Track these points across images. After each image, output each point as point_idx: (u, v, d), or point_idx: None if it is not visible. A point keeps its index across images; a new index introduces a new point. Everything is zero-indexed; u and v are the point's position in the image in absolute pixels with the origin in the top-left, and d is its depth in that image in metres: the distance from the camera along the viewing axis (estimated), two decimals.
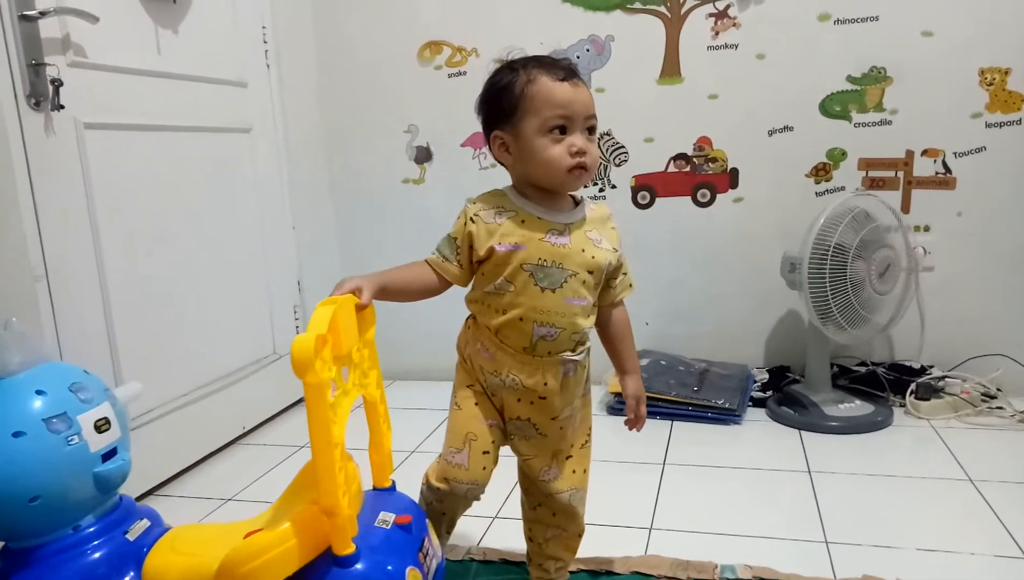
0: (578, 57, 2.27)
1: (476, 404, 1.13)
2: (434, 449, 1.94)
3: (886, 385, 2.10)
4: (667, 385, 2.13)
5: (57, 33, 1.53)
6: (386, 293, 1.07)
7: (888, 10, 2.05)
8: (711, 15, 2.17)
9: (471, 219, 1.08)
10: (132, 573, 1.06)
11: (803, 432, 1.96)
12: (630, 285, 1.17)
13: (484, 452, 1.12)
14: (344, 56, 2.44)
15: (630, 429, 1.20)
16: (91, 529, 1.08)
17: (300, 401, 2.37)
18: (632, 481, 1.72)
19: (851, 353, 2.21)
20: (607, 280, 1.13)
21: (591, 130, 1.05)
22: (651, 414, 2.10)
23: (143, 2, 1.75)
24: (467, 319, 1.16)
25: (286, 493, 1.07)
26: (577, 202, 1.12)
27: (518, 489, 1.25)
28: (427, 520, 1.16)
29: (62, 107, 1.51)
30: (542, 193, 1.08)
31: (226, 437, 2.04)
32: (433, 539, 1.15)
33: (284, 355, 2.28)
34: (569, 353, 1.09)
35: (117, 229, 1.67)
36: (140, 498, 1.74)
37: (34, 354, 1.09)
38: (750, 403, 2.14)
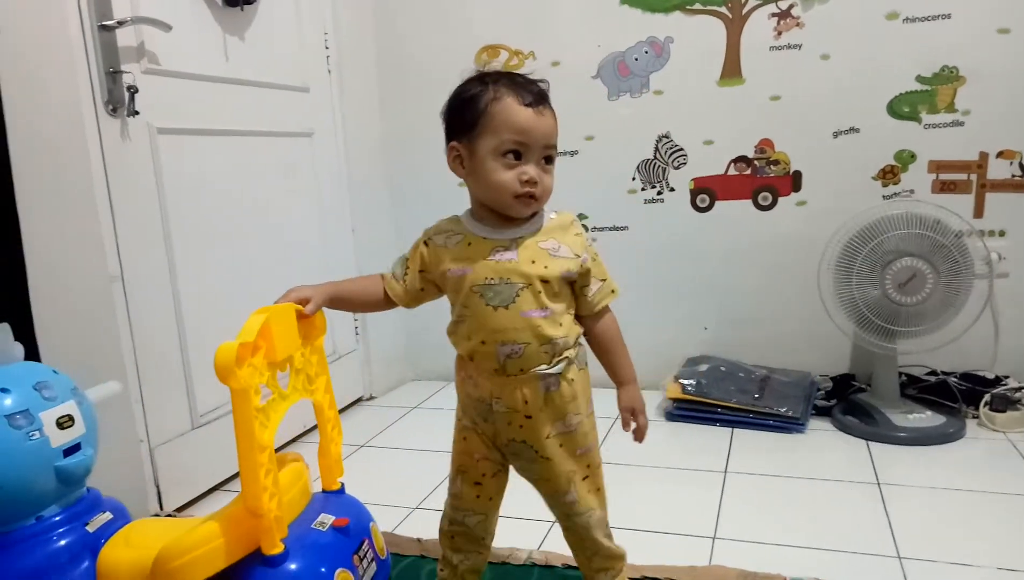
0: (636, 59, 2.25)
1: (464, 439, 1.13)
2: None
3: (958, 395, 2.03)
4: (727, 392, 2.09)
5: (132, 42, 1.58)
6: (336, 303, 1.11)
7: (961, 7, 1.98)
8: (774, 15, 2.13)
9: (424, 242, 1.09)
10: (88, 562, 1.11)
11: (870, 443, 1.90)
12: (612, 291, 1.11)
13: (475, 483, 1.12)
14: (403, 61, 2.47)
15: (636, 441, 1.14)
16: (55, 519, 1.13)
17: (357, 401, 2.40)
18: (693, 489, 1.69)
19: (920, 362, 2.13)
20: (581, 288, 1.08)
21: (548, 159, 1.03)
22: (712, 421, 2.10)
23: (212, 10, 1.80)
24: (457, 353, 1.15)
25: (240, 494, 1.09)
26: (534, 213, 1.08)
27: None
28: (372, 524, 1.18)
29: (137, 113, 1.56)
30: (492, 211, 1.05)
31: (287, 436, 2.07)
32: (377, 542, 1.17)
33: (344, 355, 2.31)
34: (544, 366, 1.04)
35: (187, 231, 1.71)
36: (207, 493, 1.79)
37: (4, 355, 1.15)
38: (813, 412, 2.08)
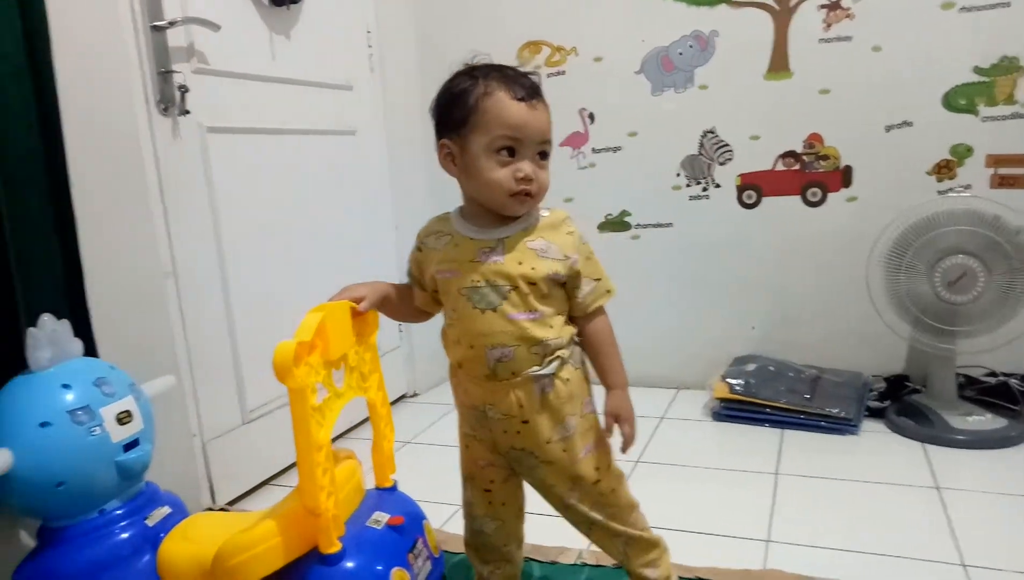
0: (681, 53, 2.21)
1: (467, 447, 1.11)
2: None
3: (1019, 397, 1.95)
4: (777, 392, 2.04)
5: (183, 42, 1.60)
6: (384, 305, 1.10)
7: None
8: (823, 7, 2.07)
9: (419, 247, 1.09)
10: (148, 556, 1.12)
11: (927, 445, 1.84)
12: (607, 291, 1.06)
13: (485, 490, 1.11)
14: (444, 58, 2.43)
15: (622, 451, 1.06)
16: (116, 513, 1.14)
17: (401, 398, 2.40)
18: (744, 490, 1.66)
19: (978, 362, 2.06)
20: (572, 290, 1.04)
21: (543, 155, 1.00)
22: (760, 422, 2.05)
23: (259, 9, 1.82)
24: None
25: (295, 489, 1.08)
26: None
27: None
28: (426, 522, 1.17)
29: (187, 112, 1.58)
30: (483, 209, 1.02)
31: (337, 429, 2.08)
32: (430, 540, 1.16)
33: (387, 352, 2.31)
34: (536, 368, 1.00)
35: (237, 228, 1.73)
36: (258, 487, 1.80)
37: (64, 350, 1.16)
38: (866, 413, 2.03)
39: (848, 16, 2.05)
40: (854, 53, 2.06)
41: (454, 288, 1.02)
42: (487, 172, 0.97)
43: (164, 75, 1.55)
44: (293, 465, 1.90)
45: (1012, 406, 1.95)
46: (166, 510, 1.19)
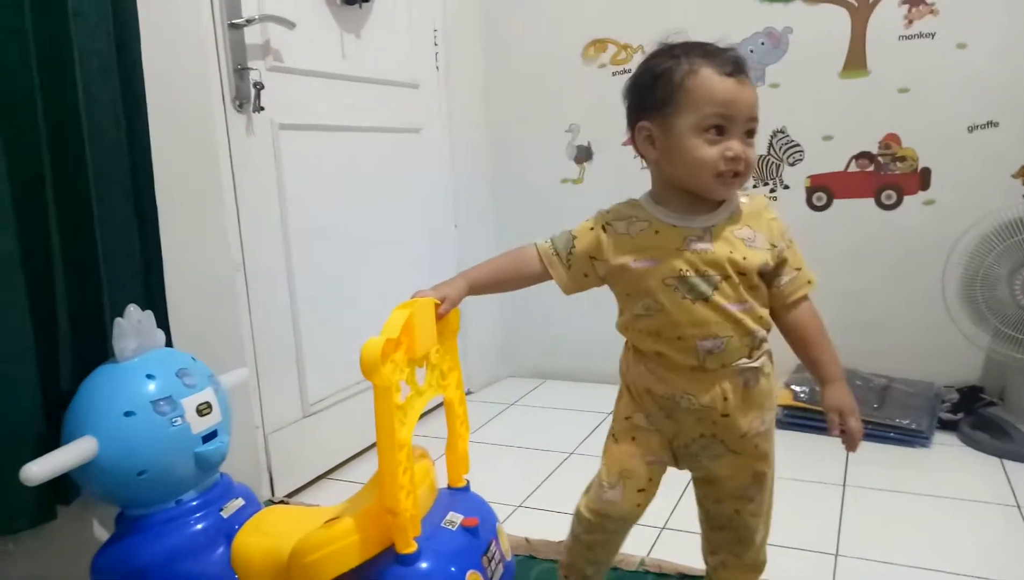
0: (752, 51, 2.16)
1: (633, 439, 1.04)
2: (591, 452, 1.91)
3: None
4: None
5: (259, 39, 1.63)
6: (480, 290, 1.04)
7: None
8: (904, 2, 2.00)
9: (603, 227, 1.01)
10: (223, 547, 1.13)
11: (1004, 461, 1.76)
12: (808, 281, 1.00)
13: (639, 490, 1.04)
14: (509, 57, 2.46)
15: (848, 450, 1.01)
16: (192, 503, 1.16)
17: None
18: (811, 501, 1.61)
19: None
20: (772, 278, 0.99)
21: (750, 133, 0.95)
22: (825, 430, 1.97)
23: (332, 8, 1.84)
24: (625, 343, 1.07)
25: (370, 483, 1.08)
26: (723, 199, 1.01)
27: (686, 499, 1.17)
28: (499, 524, 1.14)
29: (262, 109, 1.61)
30: (683, 194, 0.98)
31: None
32: (503, 543, 1.13)
33: None
34: (746, 360, 0.97)
35: (303, 224, 1.76)
36: (315, 480, 1.83)
37: (148, 340, 1.18)
38: (938, 425, 1.95)
39: (932, 12, 1.97)
40: (937, 50, 1.98)
41: (656, 278, 0.96)
42: (694, 151, 0.93)
43: (240, 72, 1.58)
44: (351, 459, 1.94)
45: None
46: (240, 502, 1.22)
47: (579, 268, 1.02)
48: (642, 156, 1.00)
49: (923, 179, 2.06)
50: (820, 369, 1.01)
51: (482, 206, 2.54)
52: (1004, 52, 1.92)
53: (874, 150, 2.09)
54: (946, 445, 1.88)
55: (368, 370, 0.91)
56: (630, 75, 1.02)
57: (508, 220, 2.56)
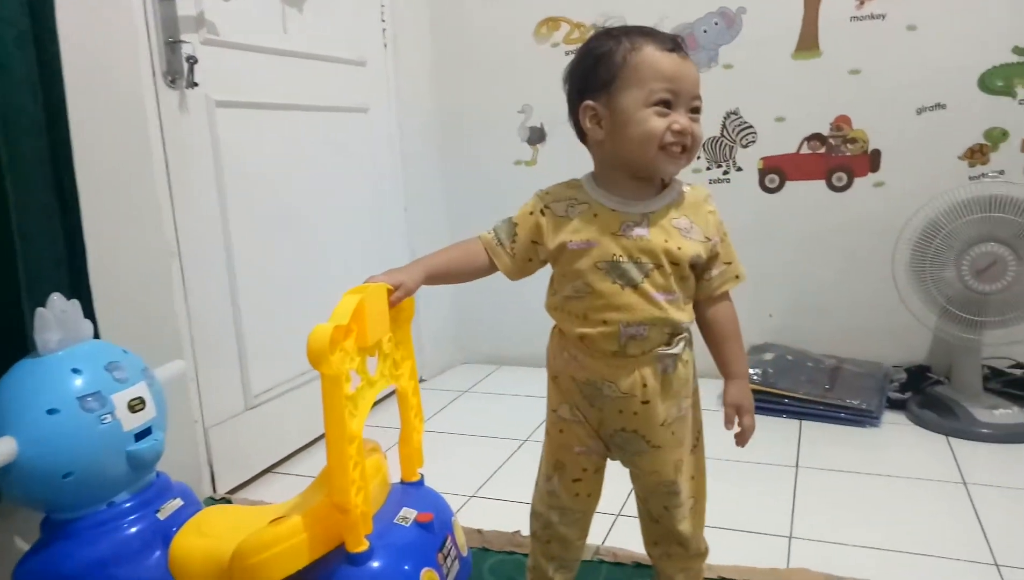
0: (705, 31, 2.14)
1: (561, 432, 1.04)
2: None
3: None
4: (795, 382, 1.99)
5: (192, 11, 1.54)
6: (433, 280, 1.02)
7: None
8: None
9: (541, 211, 1.00)
10: (159, 551, 1.07)
11: (951, 438, 1.79)
12: (736, 276, 1.01)
13: (574, 480, 1.04)
14: (460, 35, 2.39)
15: (737, 445, 1.04)
16: (125, 505, 1.09)
17: None
18: (765, 483, 1.61)
19: (1004, 354, 2.00)
20: (702, 271, 1.00)
21: (695, 111, 0.95)
22: (778, 412, 2.00)
23: None
24: (552, 329, 1.06)
25: (319, 478, 1.04)
26: (665, 185, 1.00)
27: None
28: (454, 519, 1.11)
29: (196, 84, 1.52)
30: (626, 178, 0.97)
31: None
32: (459, 538, 1.10)
33: None
34: (664, 347, 0.97)
35: (243, 207, 1.68)
36: (260, 475, 1.76)
37: (74, 332, 1.10)
38: (887, 405, 1.98)
39: None
40: (887, 32, 1.99)
41: (590, 261, 0.96)
42: (643, 123, 0.92)
43: (172, 45, 1.49)
44: (297, 452, 1.88)
45: None
46: (178, 502, 1.14)
47: (523, 254, 1.01)
48: (583, 140, 1.00)
49: (873, 161, 2.07)
50: (730, 365, 1.03)
51: (433, 188, 2.47)
52: (952, 34, 1.94)
53: (825, 132, 2.10)
54: (895, 424, 1.91)
55: (315, 359, 0.85)
56: (569, 62, 1.01)
57: (460, 203, 2.50)
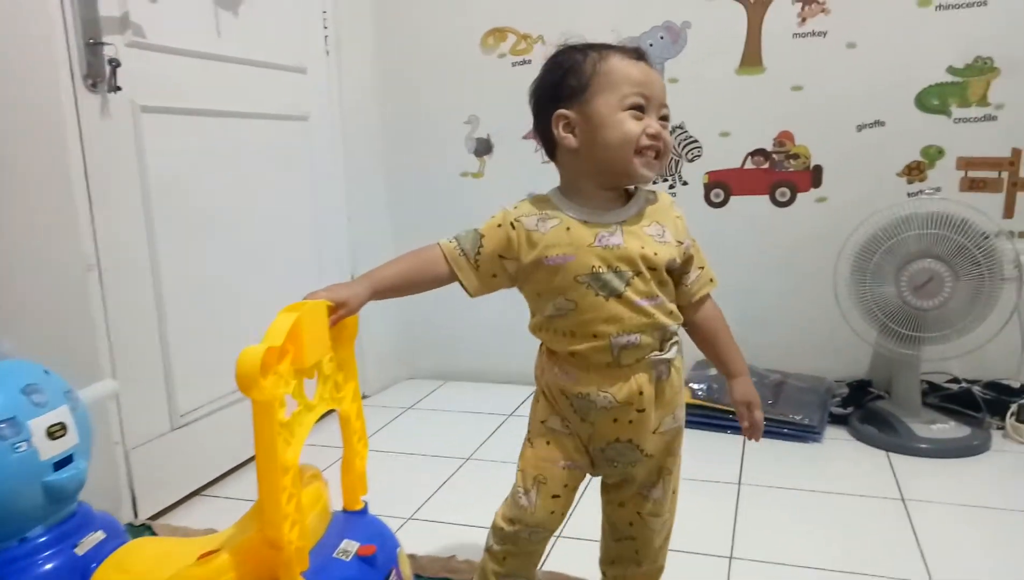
0: (651, 45, 2.14)
1: (548, 443, 1.01)
2: (489, 457, 1.84)
3: (982, 405, 1.93)
4: None
5: (116, 11, 1.47)
6: (383, 295, 0.98)
7: None
8: (798, 0, 2.01)
9: (512, 224, 0.97)
10: None
11: (891, 454, 1.80)
12: (711, 280, 1.04)
13: (554, 496, 1.01)
14: (405, 44, 2.35)
15: (749, 439, 1.07)
16: (40, 540, 1.01)
17: None
18: (706, 501, 1.59)
19: (942, 369, 2.03)
20: (679, 276, 1.00)
21: (664, 119, 0.97)
22: (723, 428, 1.99)
23: None
24: (539, 346, 1.05)
25: (250, 511, 0.97)
26: (631, 195, 1.01)
27: (582, 506, 1.14)
28: (400, 550, 1.06)
29: (119, 88, 1.45)
30: (595, 188, 0.98)
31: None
32: (404, 571, 1.05)
33: None
34: (658, 353, 0.97)
35: (171, 217, 1.60)
36: (187, 498, 1.68)
37: None
38: (829, 420, 1.98)
39: (824, 11, 2.00)
40: (828, 49, 2.01)
41: (569, 275, 0.95)
42: (620, 125, 0.93)
43: (93, 47, 1.42)
44: (228, 474, 1.80)
45: (974, 414, 1.92)
46: (99, 535, 1.05)
47: (488, 268, 0.98)
48: (551, 153, 1.00)
49: (815, 177, 2.09)
50: (730, 363, 1.05)
51: (377, 199, 2.42)
52: (890, 53, 1.97)
53: (769, 147, 2.11)
54: (837, 439, 1.92)
55: (245, 384, 0.79)
56: (535, 78, 1.02)
57: (405, 214, 2.45)
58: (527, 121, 2.42)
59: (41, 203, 1.34)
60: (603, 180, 0.98)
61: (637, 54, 0.96)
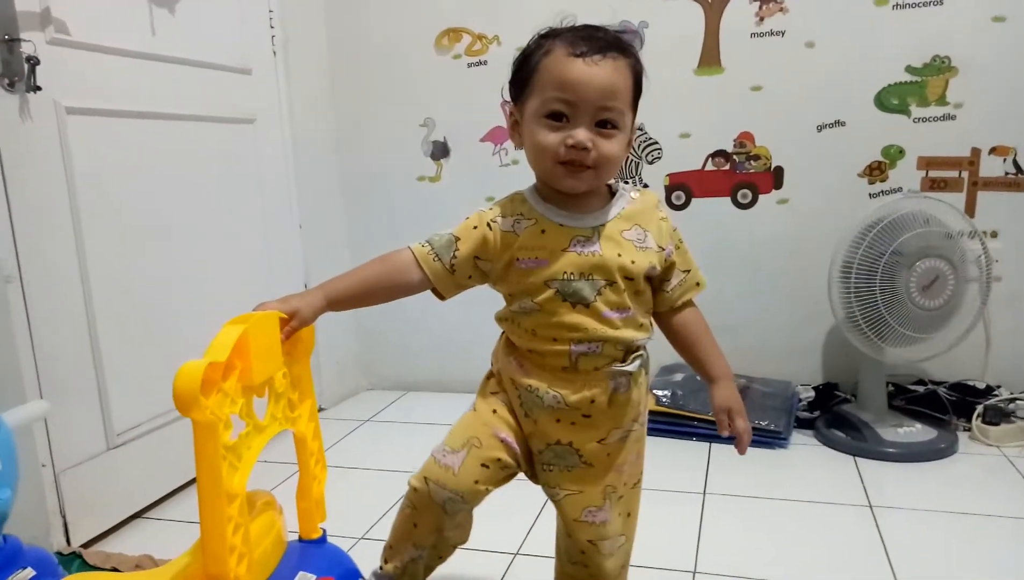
0: None
1: (494, 411, 0.97)
2: None
3: (948, 407, 1.90)
4: (705, 403, 1.93)
5: (35, 7, 1.38)
6: (342, 305, 0.91)
7: None
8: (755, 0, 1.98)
9: (488, 225, 0.93)
10: None
11: (858, 458, 1.77)
12: (697, 283, 0.99)
13: (483, 464, 0.94)
14: (357, 44, 2.28)
15: (739, 451, 0.99)
16: None
17: None
18: (670, 513, 1.53)
19: (906, 371, 2.01)
20: (659, 282, 0.95)
21: (606, 123, 0.87)
22: (688, 435, 1.94)
23: None
24: (501, 333, 1.02)
25: (196, 543, 0.89)
26: (613, 193, 0.95)
27: (543, 519, 1.08)
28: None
29: (39, 88, 1.36)
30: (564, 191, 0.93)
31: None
32: None
33: None
34: (618, 364, 0.92)
35: (102, 225, 1.51)
36: (125, 522, 1.58)
37: None
38: (796, 424, 1.95)
39: (782, 10, 1.97)
40: (787, 49, 1.98)
41: (540, 278, 0.90)
42: (533, 136, 0.88)
43: (9, 43, 1.32)
44: (170, 495, 1.70)
45: (941, 416, 1.90)
46: (28, 573, 0.96)
47: (463, 271, 0.93)
48: (515, 144, 0.96)
49: (776, 178, 2.06)
50: (708, 367, 0.99)
51: (331, 205, 2.34)
52: (848, 52, 1.94)
53: (729, 148, 2.07)
54: (803, 445, 1.88)
55: (183, 403, 0.72)
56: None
57: (361, 220, 2.37)
58: (484, 123, 2.38)
59: None
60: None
61: (586, 47, 0.86)
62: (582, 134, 0.85)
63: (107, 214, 1.52)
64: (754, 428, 1.81)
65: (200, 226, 1.78)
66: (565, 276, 0.89)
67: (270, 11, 2.05)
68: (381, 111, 2.30)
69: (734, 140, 2.06)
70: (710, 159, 2.09)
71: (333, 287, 0.92)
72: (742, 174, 2.07)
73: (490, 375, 1.03)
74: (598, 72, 0.85)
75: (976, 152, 1.92)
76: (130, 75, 1.59)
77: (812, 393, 2.04)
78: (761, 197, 2.07)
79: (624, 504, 1.00)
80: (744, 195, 2.09)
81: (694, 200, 2.12)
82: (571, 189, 0.90)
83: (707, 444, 1.88)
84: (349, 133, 2.33)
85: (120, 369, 1.55)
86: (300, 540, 0.99)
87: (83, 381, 1.49)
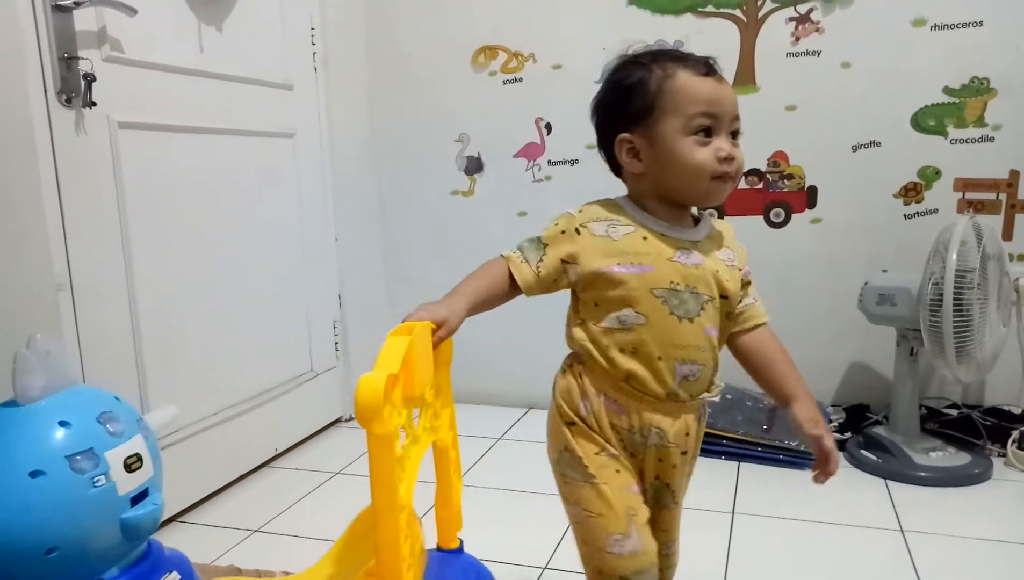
0: None
1: (618, 472, 0.91)
2: (479, 482, 1.78)
3: (983, 432, 1.88)
4: (734, 422, 1.94)
5: (92, 26, 1.43)
6: (474, 311, 0.91)
7: (994, 14, 1.85)
8: (792, 19, 1.99)
9: (576, 229, 0.90)
10: None
11: (889, 482, 1.75)
12: (764, 313, 0.98)
13: (649, 521, 0.93)
14: (395, 61, 2.33)
15: (822, 481, 0.94)
16: None
17: (335, 422, 2.24)
18: (699, 531, 1.52)
19: (940, 394, 1.99)
20: (734, 304, 0.95)
21: (735, 134, 0.91)
22: (716, 453, 1.94)
23: None
24: (570, 366, 0.95)
25: (340, 545, 0.91)
26: (697, 218, 0.96)
27: (570, 536, 1.08)
28: None
29: (94, 104, 1.41)
30: (667, 206, 0.92)
31: (256, 460, 1.91)
32: None
33: (321, 373, 2.15)
34: (707, 394, 0.93)
35: (149, 236, 1.56)
36: (165, 523, 1.62)
37: (60, 377, 0.91)
38: None
39: (818, 30, 1.97)
40: (823, 68, 1.98)
41: (643, 287, 0.88)
42: (687, 155, 0.87)
43: (68, 61, 1.38)
44: (200, 502, 1.73)
45: (975, 440, 1.88)
46: (174, 577, 0.96)
47: (549, 274, 0.92)
48: (617, 172, 0.96)
49: (810, 197, 2.06)
50: (788, 387, 0.95)
51: (366, 218, 2.38)
52: (885, 73, 1.94)
53: (763, 167, 2.07)
54: None
55: (366, 415, 0.70)
56: (596, 93, 0.95)
57: (395, 233, 2.41)
58: (518, 140, 2.40)
59: (11, 219, 1.29)
60: (673, 202, 0.92)
61: (705, 67, 0.89)
62: (728, 145, 0.88)
63: (153, 226, 1.57)
64: (784, 448, 1.84)
65: (241, 237, 1.82)
66: (674, 285, 0.88)
67: (312, 28, 2.11)
68: (417, 127, 2.34)
69: (768, 159, 2.07)
70: (744, 177, 2.09)
71: (468, 293, 0.89)
72: (775, 193, 2.07)
73: (575, 433, 0.93)
74: (727, 88, 0.90)
75: (1015, 174, 1.90)
76: (179, 91, 1.64)
77: (843, 414, 2.03)
78: (794, 216, 2.07)
79: (679, 526, 1.03)
80: (777, 214, 2.09)
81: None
82: (718, 201, 0.92)
83: (736, 463, 1.88)
84: (385, 148, 2.37)
85: (159, 377, 1.59)
86: (438, 549, 0.99)
87: (126, 388, 1.54)
